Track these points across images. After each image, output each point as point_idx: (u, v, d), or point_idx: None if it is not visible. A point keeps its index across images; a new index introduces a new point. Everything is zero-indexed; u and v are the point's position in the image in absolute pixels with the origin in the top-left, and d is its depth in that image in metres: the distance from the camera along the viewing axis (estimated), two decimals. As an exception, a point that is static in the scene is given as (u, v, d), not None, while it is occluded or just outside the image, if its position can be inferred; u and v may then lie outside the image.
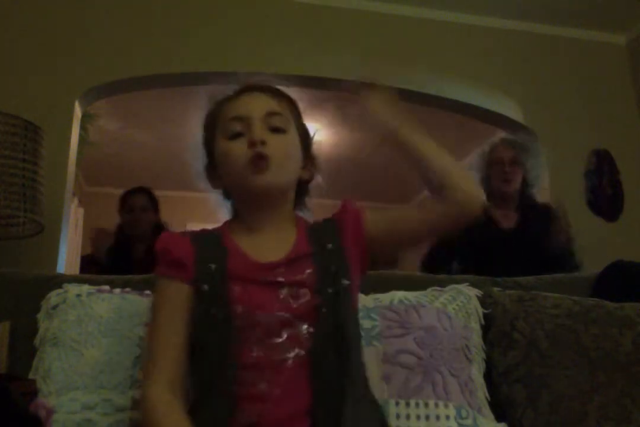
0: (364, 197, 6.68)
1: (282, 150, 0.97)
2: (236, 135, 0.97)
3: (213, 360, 0.88)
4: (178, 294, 0.92)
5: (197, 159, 1.06)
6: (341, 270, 0.93)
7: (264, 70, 3.07)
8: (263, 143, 0.95)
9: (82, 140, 3.12)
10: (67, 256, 2.99)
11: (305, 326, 0.88)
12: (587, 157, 3.39)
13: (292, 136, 1.01)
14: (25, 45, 2.83)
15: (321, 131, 4.48)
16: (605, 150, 3.41)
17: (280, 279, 0.91)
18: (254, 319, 0.87)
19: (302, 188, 1.06)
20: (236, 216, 1.04)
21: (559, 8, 3.40)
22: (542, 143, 3.34)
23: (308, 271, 0.92)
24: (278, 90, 1.06)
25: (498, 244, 2.29)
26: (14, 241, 2.32)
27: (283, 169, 0.97)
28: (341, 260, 0.95)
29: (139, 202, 2.89)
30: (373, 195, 6.49)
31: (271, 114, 0.99)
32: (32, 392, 1.06)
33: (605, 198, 3.36)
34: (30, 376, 1.16)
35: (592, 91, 3.52)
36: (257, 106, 1.00)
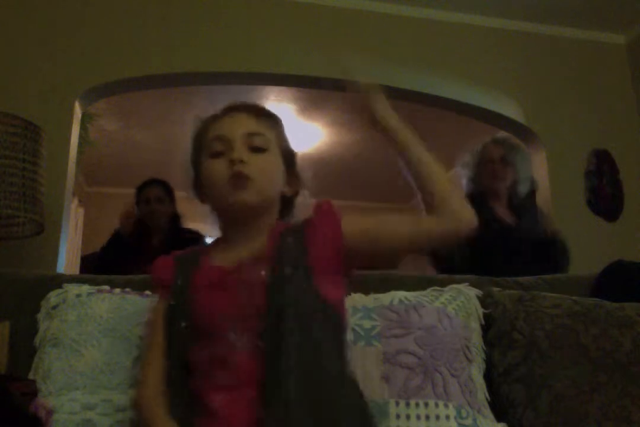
0: (364, 197, 6.72)
1: (261, 169, 1.01)
2: (218, 154, 1.02)
3: (175, 361, 0.97)
4: (162, 311, 1.02)
5: (187, 175, 1.11)
6: (297, 269, 0.96)
7: (264, 70, 3.11)
8: (242, 162, 0.99)
9: (82, 140, 3.12)
10: (67, 256, 2.99)
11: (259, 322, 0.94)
12: (587, 157, 3.39)
13: (273, 155, 1.05)
14: (25, 45, 2.83)
15: (321, 131, 4.51)
16: (605, 150, 3.41)
17: (238, 282, 0.96)
18: (214, 322, 0.94)
19: (287, 202, 1.10)
20: (220, 229, 1.09)
21: (559, 8, 3.40)
22: (542, 143, 3.34)
23: (262, 272, 0.96)
24: (261, 109, 1.10)
25: (501, 239, 2.33)
26: (14, 241, 2.32)
27: (262, 187, 1.01)
28: (299, 259, 0.98)
29: (155, 193, 2.90)
30: (373, 196, 6.50)
31: (252, 134, 1.03)
32: (32, 392, 1.06)
33: (605, 198, 3.36)
34: (30, 376, 1.17)
35: (592, 91, 3.52)
36: (238, 126, 1.04)
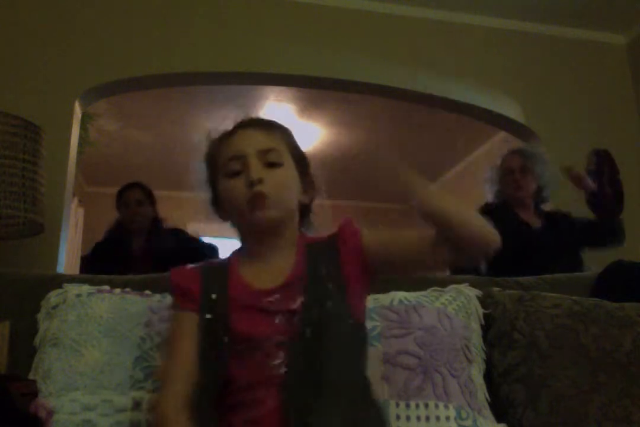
0: (363, 197, 6.71)
1: (278, 185, 1.03)
2: (235, 174, 1.03)
3: (210, 380, 0.96)
4: (189, 323, 1.01)
5: (202, 191, 1.12)
6: (332, 295, 0.99)
7: (264, 70, 3.10)
8: (260, 181, 1.00)
9: (82, 140, 3.12)
10: (67, 256, 2.99)
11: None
12: (587, 157, 3.39)
13: (288, 168, 1.06)
14: (25, 45, 2.83)
15: (321, 131, 4.51)
16: (605, 151, 3.41)
17: (274, 308, 0.97)
18: (252, 343, 0.95)
19: (305, 209, 1.11)
20: (242, 244, 1.11)
21: (559, 8, 3.40)
22: (542, 143, 3.34)
23: (300, 299, 0.98)
24: (269, 123, 1.11)
25: (533, 243, 2.35)
26: (14, 241, 2.32)
27: (282, 202, 1.03)
28: (335, 284, 1.00)
29: (134, 197, 2.93)
30: (373, 196, 6.49)
31: (265, 150, 1.04)
32: (32, 392, 1.06)
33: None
34: (30, 376, 1.16)
35: (592, 91, 3.52)
36: (251, 144, 1.05)
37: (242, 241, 1.10)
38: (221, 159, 1.06)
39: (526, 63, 3.47)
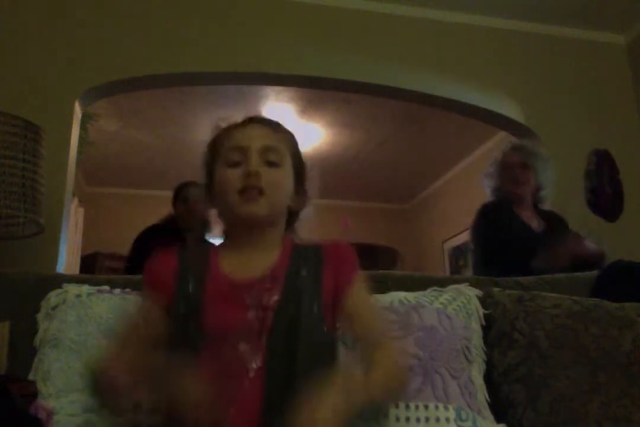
0: (363, 197, 6.72)
1: (273, 183, 1.04)
2: (234, 164, 1.05)
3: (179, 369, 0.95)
4: (154, 309, 1.02)
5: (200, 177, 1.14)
6: (308, 298, 0.99)
7: (264, 70, 3.10)
8: (257, 175, 1.02)
9: (82, 140, 3.12)
10: (67, 256, 2.99)
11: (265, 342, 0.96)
12: (587, 157, 3.39)
13: (286, 170, 1.08)
14: (25, 45, 2.83)
15: (321, 131, 4.51)
16: (605, 150, 3.41)
17: (249, 301, 0.98)
18: (223, 336, 0.95)
19: (292, 216, 1.12)
20: (226, 234, 1.11)
21: (559, 8, 3.40)
22: (542, 143, 3.34)
23: (275, 297, 0.98)
24: (278, 124, 1.13)
25: (532, 244, 2.34)
26: (14, 241, 2.32)
27: (272, 201, 1.03)
28: (312, 288, 1.01)
29: (194, 194, 2.94)
30: (372, 196, 6.50)
31: (268, 148, 1.06)
32: (32, 393, 1.06)
33: (605, 198, 3.36)
34: (30, 377, 1.16)
35: (592, 91, 3.52)
36: (256, 139, 1.07)
37: (227, 232, 1.10)
38: (223, 148, 1.08)
39: (526, 63, 3.47)
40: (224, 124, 1.13)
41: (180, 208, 2.99)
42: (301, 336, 0.95)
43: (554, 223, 2.49)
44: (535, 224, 2.45)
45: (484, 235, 2.41)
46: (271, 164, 1.05)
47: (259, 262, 1.03)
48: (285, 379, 0.92)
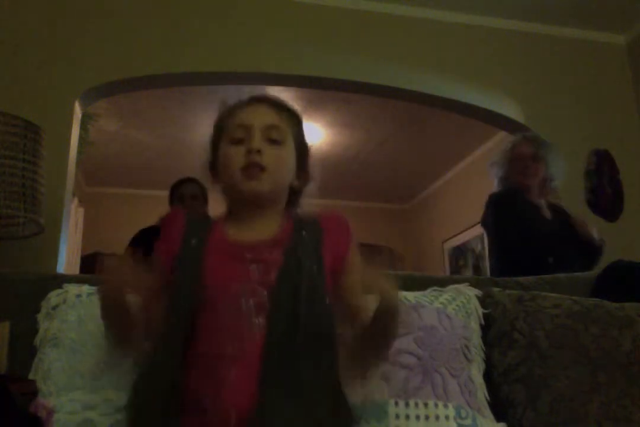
0: (363, 197, 6.71)
1: (275, 161, 1.06)
2: (237, 141, 1.07)
3: (180, 323, 0.96)
4: (164, 257, 1.04)
5: (204, 154, 1.16)
6: (309, 259, 1.01)
7: (264, 70, 3.11)
8: (259, 152, 1.04)
9: (82, 140, 3.12)
10: (67, 256, 2.99)
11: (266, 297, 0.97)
12: (587, 157, 3.39)
13: (288, 148, 1.10)
14: (25, 45, 2.83)
15: (321, 131, 4.49)
16: (605, 150, 3.41)
17: (250, 257, 1.00)
18: (223, 288, 0.97)
19: (294, 195, 1.14)
20: (229, 209, 1.13)
21: (559, 8, 3.40)
22: (542, 143, 3.34)
23: (277, 255, 1.00)
24: (282, 103, 1.15)
25: (543, 228, 2.36)
26: (14, 241, 2.32)
27: (274, 178, 1.06)
28: (313, 252, 1.02)
29: (190, 191, 2.92)
30: (372, 196, 6.50)
31: (271, 126, 1.08)
32: (32, 392, 1.06)
33: (605, 198, 3.36)
34: (30, 376, 1.16)
35: (592, 91, 3.52)
36: (259, 117, 1.09)
37: (230, 209, 1.12)
38: (228, 126, 1.10)
39: (526, 63, 3.47)
40: (230, 102, 1.15)
41: (177, 206, 2.93)
42: (303, 292, 0.96)
43: (559, 213, 2.49)
44: (546, 212, 2.44)
45: (500, 225, 2.39)
46: (273, 142, 1.07)
47: (261, 229, 1.05)
48: (288, 335, 0.93)
